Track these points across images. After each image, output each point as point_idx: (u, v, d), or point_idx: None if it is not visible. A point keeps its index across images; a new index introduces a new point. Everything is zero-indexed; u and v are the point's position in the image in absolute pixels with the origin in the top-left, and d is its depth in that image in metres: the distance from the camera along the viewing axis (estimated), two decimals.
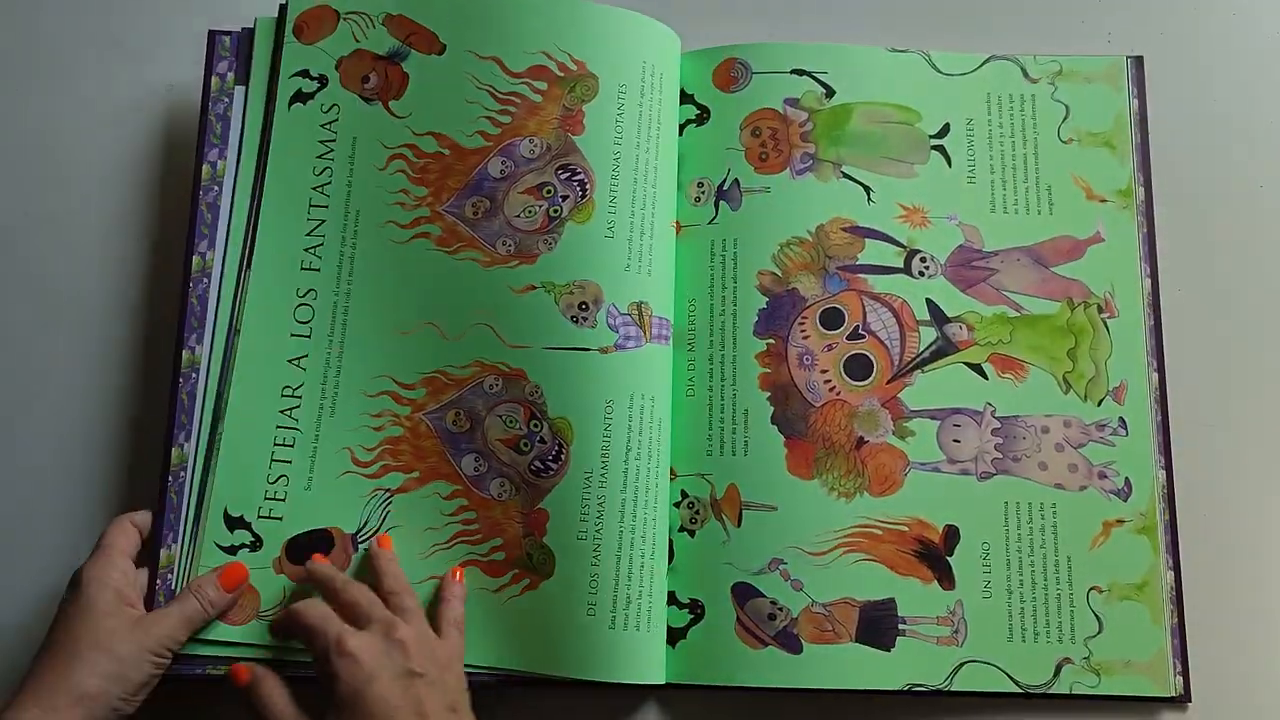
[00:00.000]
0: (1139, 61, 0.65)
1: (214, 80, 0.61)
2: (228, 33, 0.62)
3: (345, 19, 0.61)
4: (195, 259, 0.58)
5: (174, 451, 0.56)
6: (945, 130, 0.64)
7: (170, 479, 0.56)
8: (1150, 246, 0.63)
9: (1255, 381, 0.64)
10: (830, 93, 0.64)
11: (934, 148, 0.64)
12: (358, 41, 0.61)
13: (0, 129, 0.66)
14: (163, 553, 0.55)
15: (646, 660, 0.57)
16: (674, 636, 0.58)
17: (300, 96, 0.60)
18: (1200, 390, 0.63)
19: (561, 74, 0.61)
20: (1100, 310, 0.62)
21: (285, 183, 0.60)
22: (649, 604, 0.57)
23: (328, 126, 0.60)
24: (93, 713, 0.49)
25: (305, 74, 0.61)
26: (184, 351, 0.57)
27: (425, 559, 0.56)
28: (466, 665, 0.54)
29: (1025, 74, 0.65)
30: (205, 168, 0.60)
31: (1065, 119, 0.64)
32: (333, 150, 0.60)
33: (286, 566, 0.56)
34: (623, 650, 0.56)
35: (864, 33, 0.67)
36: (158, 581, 0.55)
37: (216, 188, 0.59)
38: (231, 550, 0.56)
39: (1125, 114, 0.64)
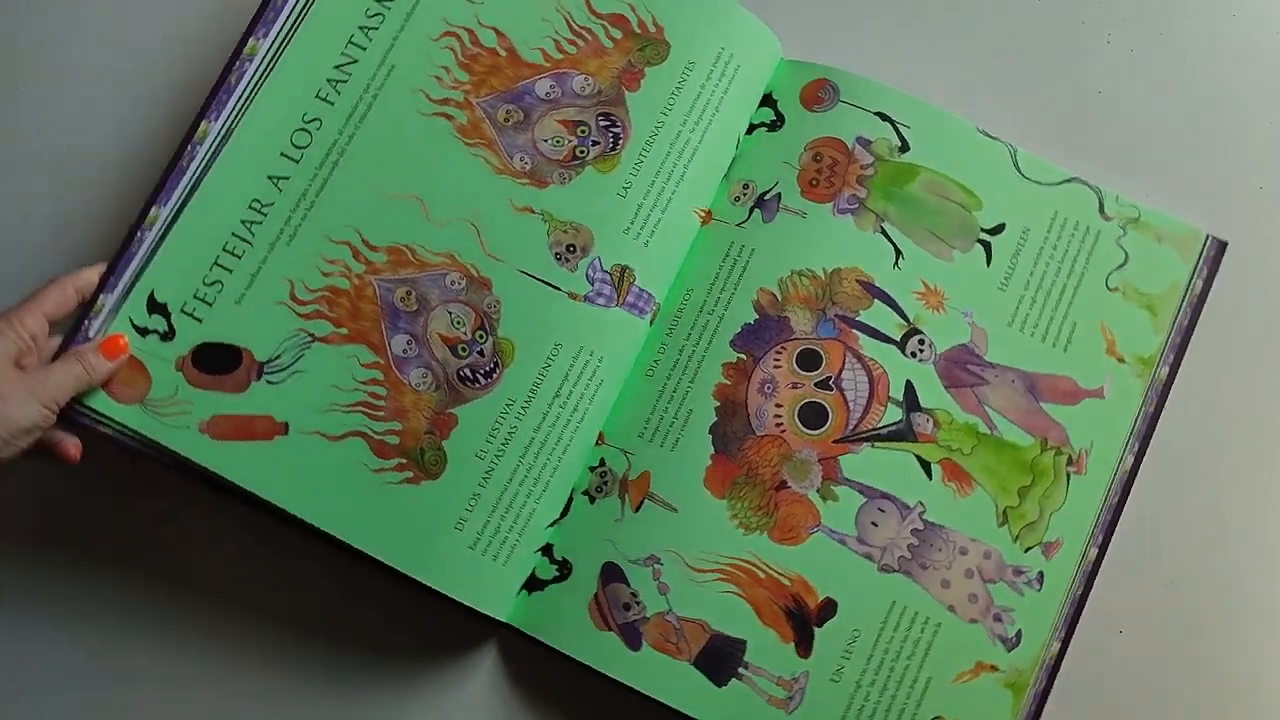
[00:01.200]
0: (1221, 246, 0.63)
1: None
2: None
3: None
4: (251, 42, 0.58)
5: (152, 210, 0.56)
6: (999, 229, 0.62)
7: (138, 233, 0.55)
8: (1149, 426, 0.61)
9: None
10: (905, 148, 0.63)
11: (981, 240, 0.62)
12: None
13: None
14: (100, 297, 0.55)
15: (493, 592, 0.57)
16: (534, 585, 0.59)
17: None
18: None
19: (639, 31, 0.61)
20: (1069, 463, 0.60)
21: (335, 9, 0.59)
22: (515, 542, 0.58)
23: None
24: None
25: None
26: (203, 122, 0.57)
27: (320, 413, 0.56)
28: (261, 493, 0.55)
29: (1101, 208, 0.63)
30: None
31: (1120, 267, 0.62)
32: (392, 2, 0.60)
33: (189, 369, 0.56)
34: (474, 572, 0.57)
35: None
36: (84, 322, 0.55)
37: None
38: (142, 332, 0.56)
39: (1182, 287, 0.62)
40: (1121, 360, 0.61)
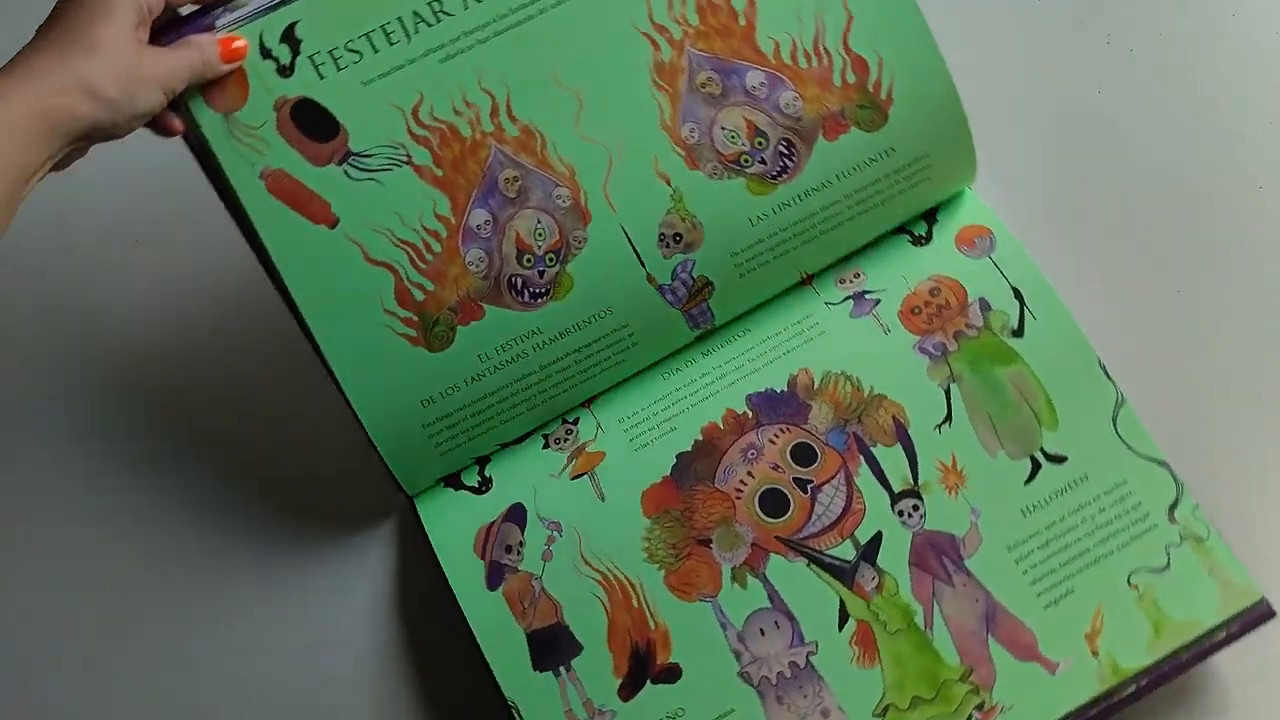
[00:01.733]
0: (1268, 615, 0.56)
1: None
2: None
3: None
4: None
5: None
6: (1059, 459, 0.59)
7: None
8: None
9: None
10: (1018, 333, 0.60)
11: (1034, 458, 0.59)
12: None
13: None
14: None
15: (415, 471, 0.59)
16: (452, 483, 0.60)
17: None
18: None
19: (871, 89, 0.59)
20: (979, 708, 0.56)
21: None
22: (461, 444, 0.59)
23: None
24: (88, 112, 0.47)
25: None
26: None
27: (372, 229, 0.56)
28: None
29: (1173, 507, 0.58)
30: None
31: (1155, 571, 0.57)
32: None
33: (284, 114, 0.55)
34: (411, 446, 0.59)
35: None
36: (215, 10, 0.54)
37: None
38: (265, 53, 0.55)
39: (1203, 628, 0.56)
40: (1095, 653, 0.56)
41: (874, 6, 0.59)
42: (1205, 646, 0.56)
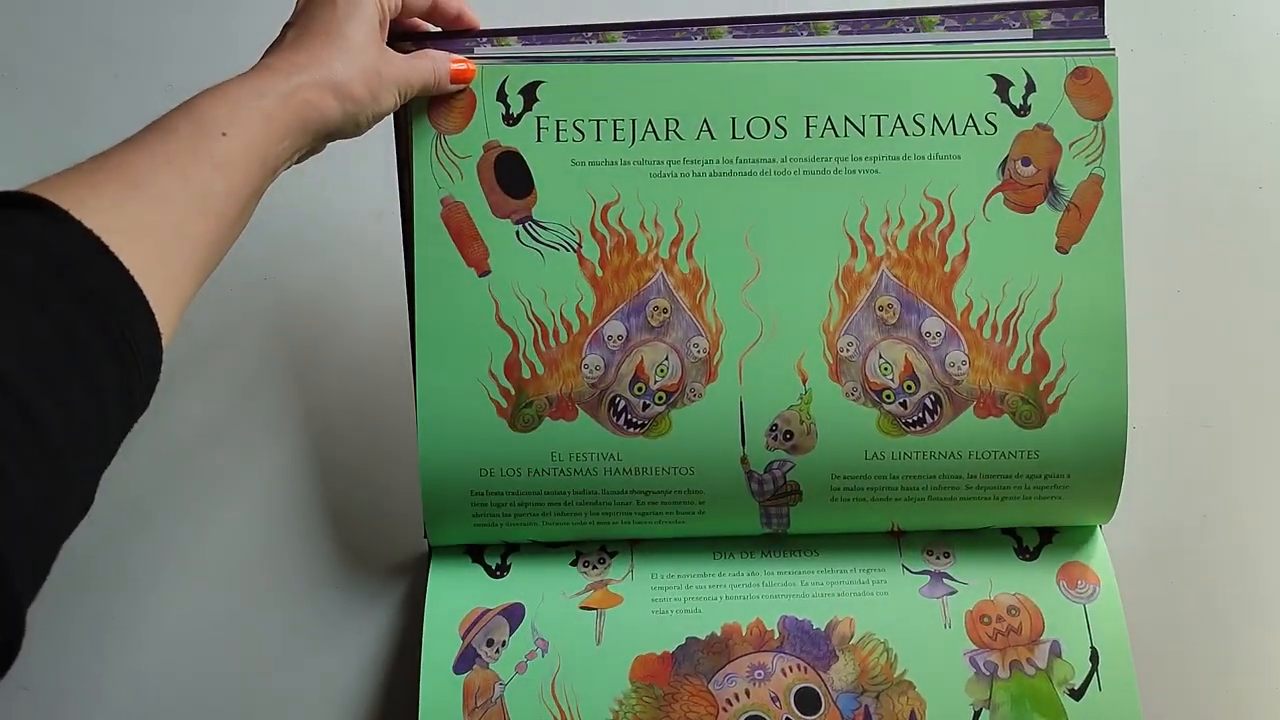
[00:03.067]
0: None
1: None
2: None
3: None
4: None
5: (619, 32, 0.56)
6: None
7: (591, 34, 0.56)
8: None
9: None
10: (1078, 696, 0.56)
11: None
12: None
13: None
14: (512, 39, 0.56)
15: (446, 523, 0.59)
16: (475, 556, 0.60)
17: None
18: None
19: (1041, 388, 0.57)
20: None
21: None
22: (495, 526, 0.59)
23: None
24: (337, 110, 0.49)
25: None
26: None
27: (515, 294, 0.57)
28: None
29: None
30: None
31: None
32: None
33: (488, 158, 0.56)
34: (452, 502, 0.58)
35: None
36: (476, 38, 0.56)
37: None
38: (500, 97, 0.56)
39: None
40: None
41: (1082, 314, 0.56)
42: None
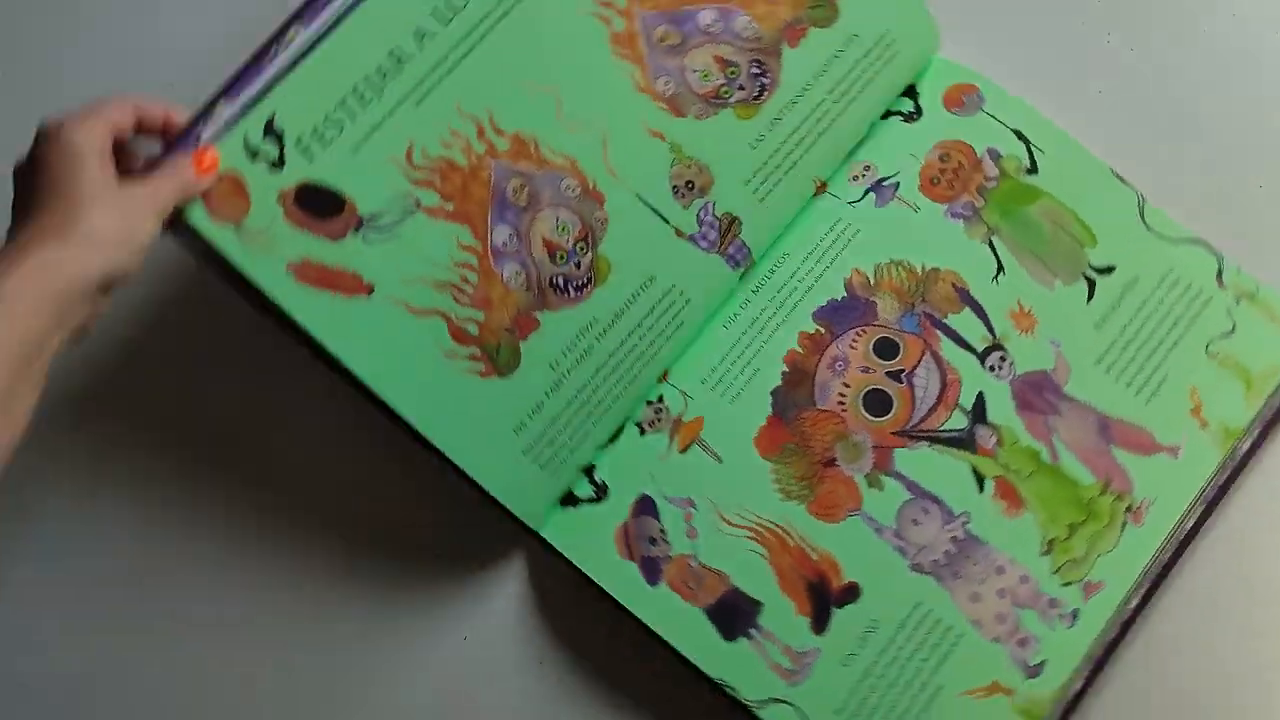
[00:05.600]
0: None
1: None
2: None
3: None
4: None
5: (292, 29, 0.53)
6: (1108, 270, 0.62)
7: (273, 50, 0.52)
8: (1218, 495, 0.59)
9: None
10: (1033, 170, 0.63)
11: (1086, 276, 0.61)
12: None
13: None
14: (220, 104, 0.52)
15: (532, 501, 0.58)
16: (569, 501, 0.59)
17: None
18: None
19: None
20: (1128, 510, 0.58)
21: None
22: (565, 459, 0.58)
23: None
24: (98, 263, 0.46)
25: None
26: None
27: (407, 283, 0.55)
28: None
29: (1219, 275, 0.62)
30: None
31: (1225, 335, 0.61)
32: None
33: (289, 205, 0.53)
34: (519, 477, 0.57)
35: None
36: (197, 127, 0.51)
37: None
38: (253, 154, 0.52)
39: None
40: (1205, 425, 0.60)
41: None
42: None
